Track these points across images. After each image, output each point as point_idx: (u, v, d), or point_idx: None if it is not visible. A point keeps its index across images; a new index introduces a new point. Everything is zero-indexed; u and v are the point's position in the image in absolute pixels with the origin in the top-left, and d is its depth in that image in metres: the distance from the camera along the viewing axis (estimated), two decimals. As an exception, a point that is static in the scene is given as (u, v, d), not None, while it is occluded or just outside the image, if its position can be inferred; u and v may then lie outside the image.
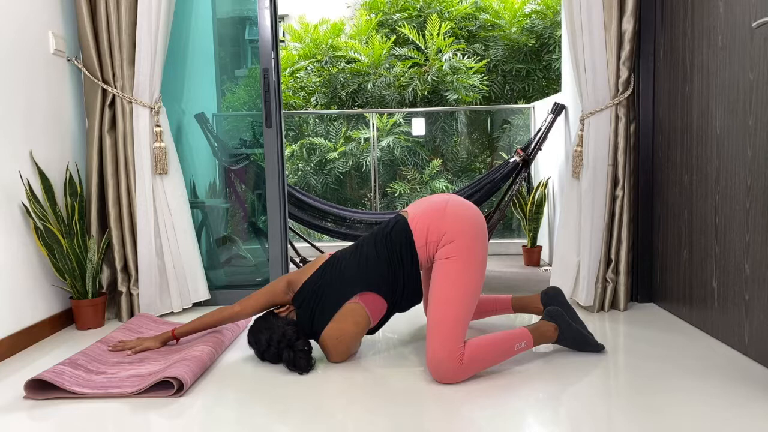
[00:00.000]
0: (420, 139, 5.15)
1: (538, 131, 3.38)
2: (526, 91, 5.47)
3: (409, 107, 5.32)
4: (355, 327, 1.92)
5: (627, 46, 2.42)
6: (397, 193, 4.99)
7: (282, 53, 5.51)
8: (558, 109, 3.33)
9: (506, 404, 1.62)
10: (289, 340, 1.91)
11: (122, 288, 2.59)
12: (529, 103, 4.87)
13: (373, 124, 5.03)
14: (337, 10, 6.44)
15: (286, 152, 5.13)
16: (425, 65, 5.33)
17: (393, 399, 1.67)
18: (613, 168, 2.49)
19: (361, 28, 5.56)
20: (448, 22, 5.40)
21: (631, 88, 2.45)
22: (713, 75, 2.08)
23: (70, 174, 2.48)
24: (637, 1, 2.43)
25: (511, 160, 3.35)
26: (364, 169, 5.08)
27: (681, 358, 1.94)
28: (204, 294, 2.72)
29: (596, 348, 2.00)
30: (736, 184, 1.94)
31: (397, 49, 5.43)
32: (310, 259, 3.69)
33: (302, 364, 1.88)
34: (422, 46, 5.36)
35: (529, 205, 3.74)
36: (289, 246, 3.06)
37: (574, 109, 3.16)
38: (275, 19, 2.71)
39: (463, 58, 5.37)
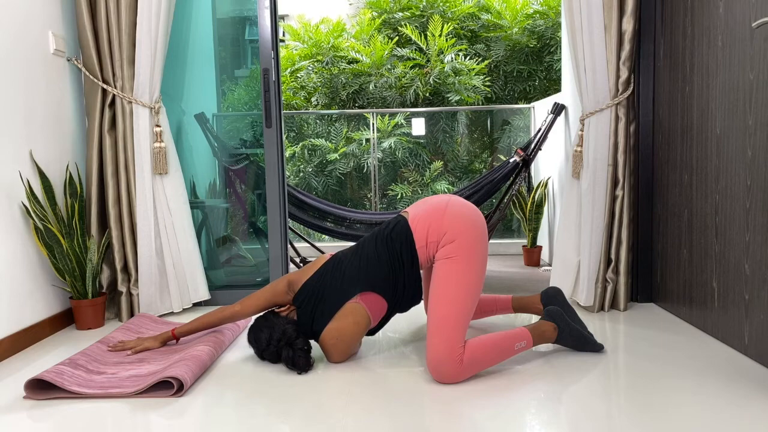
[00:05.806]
0: (421, 140, 5.14)
1: (538, 131, 3.38)
2: (527, 92, 5.46)
3: (410, 108, 5.32)
4: (355, 327, 1.92)
5: (627, 46, 2.42)
6: (398, 196, 4.98)
7: (282, 53, 5.51)
8: (558, 109, 3.33)
9: (506, 404, 1.61)
10: (289, 338, 1.91)
11: (122, 288, 2.59)
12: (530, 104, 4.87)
13: (373, 125, 5.03)
14: (338, 10, 6.43)
15: (287, 153, 5.12)
16: (427, 66, 5.33)
17: (393, 399, 1.67)
18: (613, 168, 2.49)
19: (364, 27, 5.56)
20: (450, 22, 5.40)
21: (631, 88, 2.45)
22: (713, 75, 2.08)
23: (70, 174, 2.48)
24: (637, 1, 2.43)
25: (511, 160, 3.35)
26: (365, 171, 5.08)
27: (681, 358, 1.93)
28: (204, 294, 2.72)
29: (596, 348, 2.00)
30: (736, 184, 1.94)
31: (399, 50, 5.43)
32: (310, 259, 3.69)
33: (301, 363, 1.88)
34: (424, 47, 5.36)
35: (529, 205, 3.74)
36: (289, 246, 3.06)
37: (574, 109, 3.16)
38: (275, 19, 2.71)
39: (465, 59, 5.37)
